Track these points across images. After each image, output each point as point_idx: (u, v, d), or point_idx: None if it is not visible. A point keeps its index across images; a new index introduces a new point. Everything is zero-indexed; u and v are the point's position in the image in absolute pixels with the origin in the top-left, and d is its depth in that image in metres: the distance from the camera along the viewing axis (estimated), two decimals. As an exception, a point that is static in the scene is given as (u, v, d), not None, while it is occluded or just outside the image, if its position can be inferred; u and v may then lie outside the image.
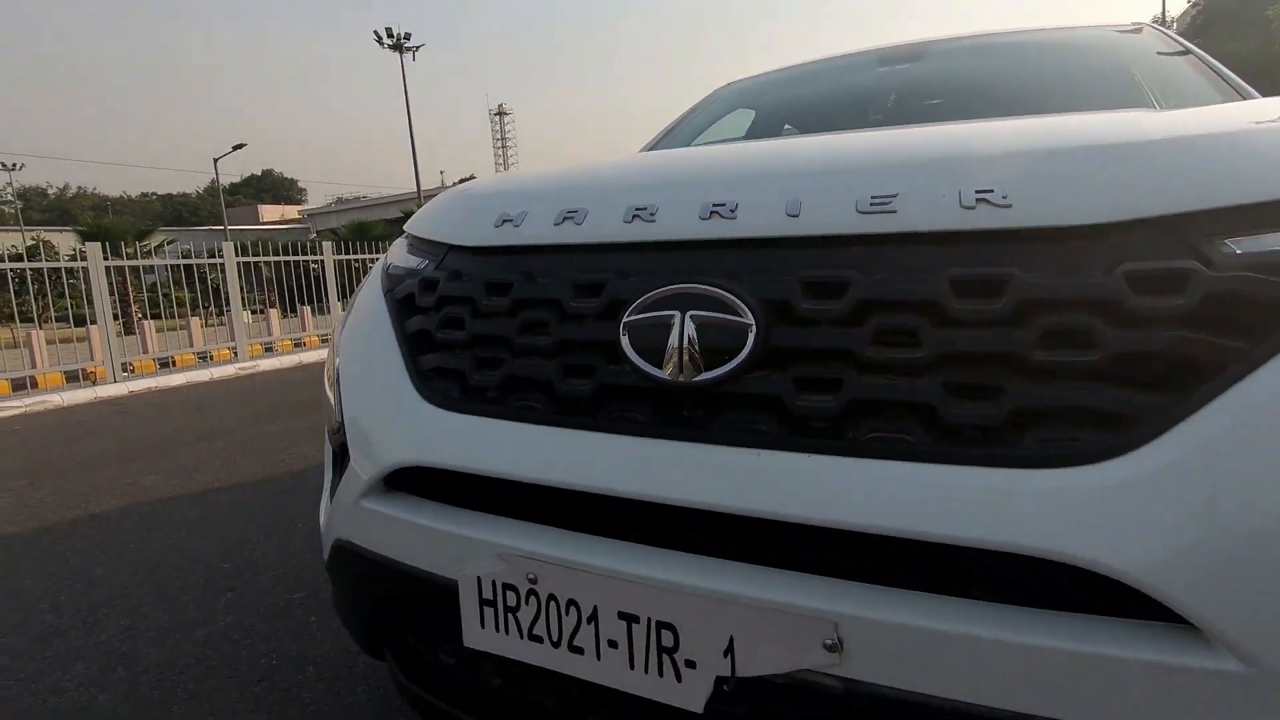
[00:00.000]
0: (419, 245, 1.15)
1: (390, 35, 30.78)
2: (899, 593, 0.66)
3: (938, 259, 0.69)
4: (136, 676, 1.85)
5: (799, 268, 0.74)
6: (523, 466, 0.83)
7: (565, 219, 0.91)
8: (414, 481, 0.96)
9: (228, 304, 9.37)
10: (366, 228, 23.52)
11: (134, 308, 12.57)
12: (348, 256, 10.67)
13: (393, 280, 1.12)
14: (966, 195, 0.70)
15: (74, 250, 8.40)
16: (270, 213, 55.75)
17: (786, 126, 2.42)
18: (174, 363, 9.00)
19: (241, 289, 9.58)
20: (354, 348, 1.10)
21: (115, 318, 9.91)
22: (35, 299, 8.77)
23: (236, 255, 9.41)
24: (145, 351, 8.86)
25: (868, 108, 2.36)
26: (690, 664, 0.73)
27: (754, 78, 2.77)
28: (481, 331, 0.92)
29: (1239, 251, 0.64)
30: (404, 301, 1.05)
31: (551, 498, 0.83)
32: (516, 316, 0.89)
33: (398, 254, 1.19)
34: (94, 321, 8.11)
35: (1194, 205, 0.65)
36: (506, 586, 0.83)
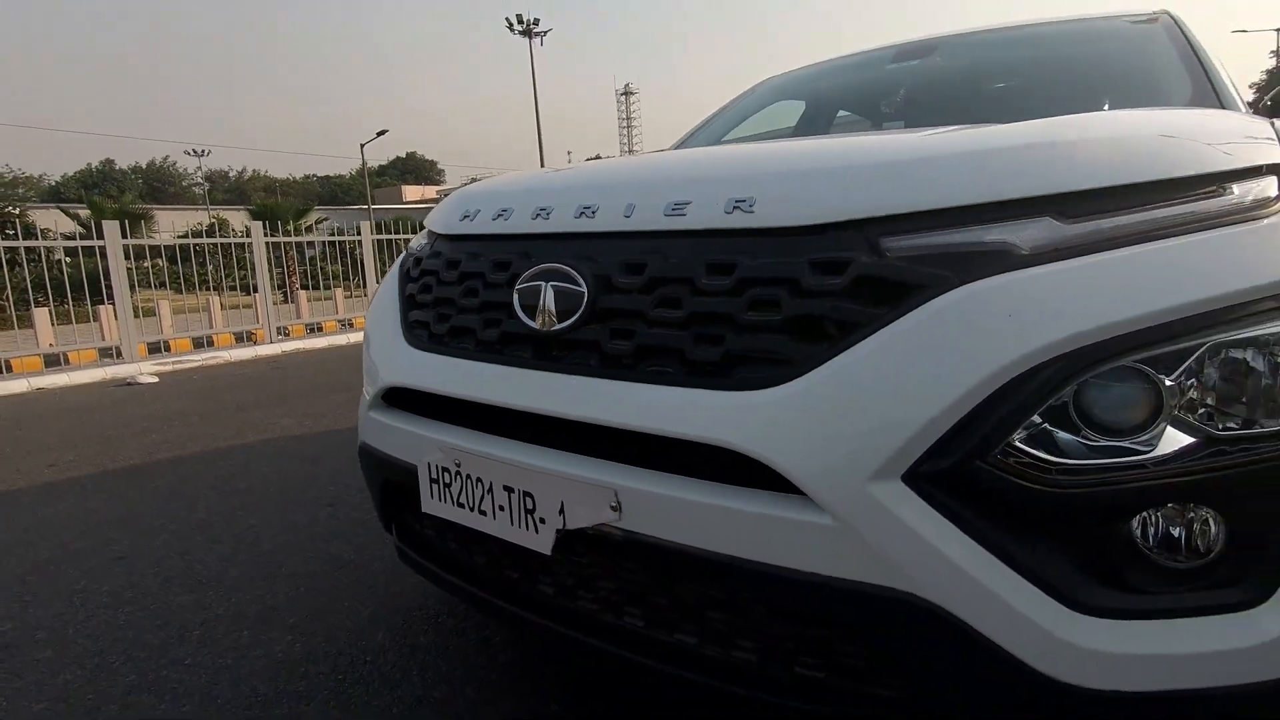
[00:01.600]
0: (426, 231, 1.55)
1: (520, 21, 32.15)
2: (656, 473, 0.98)
3: (702, 249, 1.00)
4: (256, 560, 2.44)
5: (622, 253, 1.06)
6: (456, 387, 1.21)
7: (499, 215, 1.27)
8: (403, 399, 1.37)
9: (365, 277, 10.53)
10: (493, 207, 24.99)
11: (292, 279, 14.21)
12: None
13: (405, 258, 1.53)
14: (729, 203, 0.99)
15: (245, 227, 9.72)
16: (412, 193, 60.11)
17: (841, 113, 2.63)
18: (320, 328, 10.26)
19: (376, 264, 10.69)
20: (376, 306, 1.53)
21: (277, 287, 11.41)
22: (208, 271, 10.26)
23: (372, 234, 10.50)
24: (299, 318, 10.20)
25: (880, 101, 2.54)
26: (542, 520, 1.08)
27: (791, 72, 2.98)
28: (441, 295, 1.31)
29: (888, 247, 0.90)
30: (405, 273, 1.47)
31: (474, 408, 1.21)
32: (461, 285, 1.27)
33: (417, 238, 1.60)
34: (255, 290, 9.40)
35: (866, 213, 0.91)
36: (443, 469, 1.22)
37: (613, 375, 1.03)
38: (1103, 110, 1.77)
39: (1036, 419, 0.82)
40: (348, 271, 10.96)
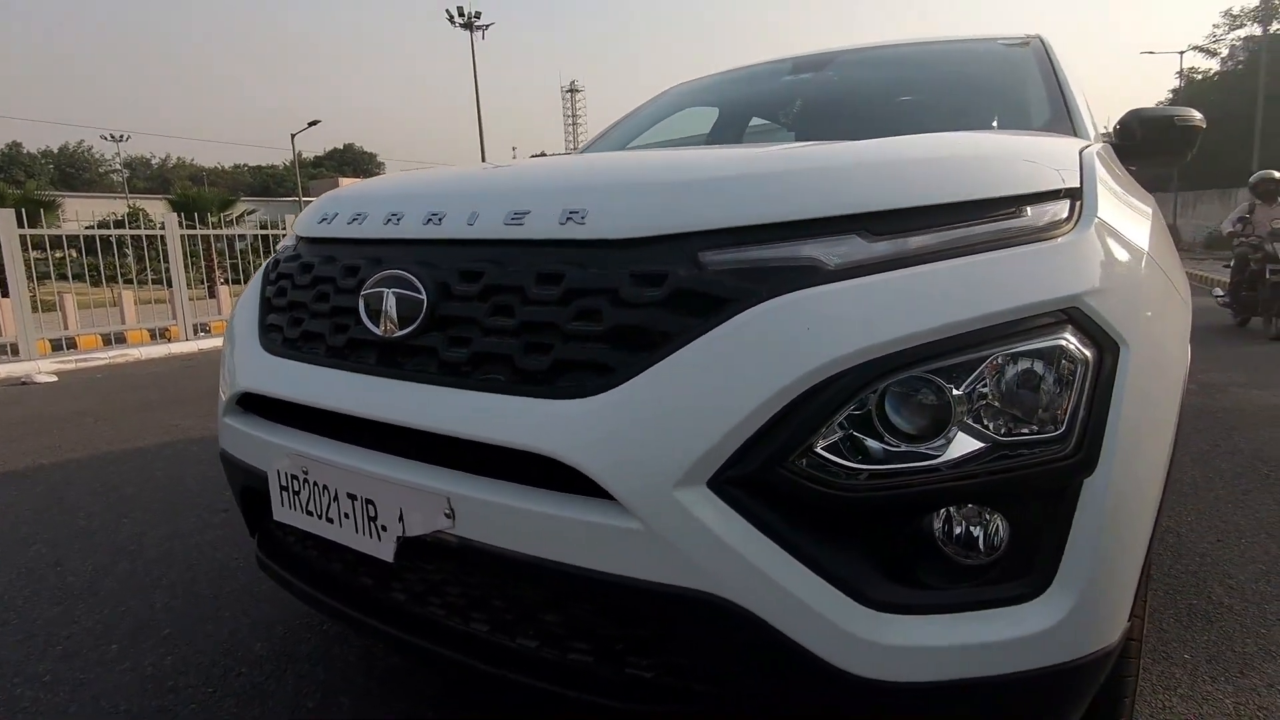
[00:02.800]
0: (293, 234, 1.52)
1: (461, 14, 31.59)
2: (488, 480, 0.99)
3: (535, 258, 1.01)
4: (136, 569, 2.34)
5: (463, 261, 1.07)
6: (303, 393, 1.19)
7: (354, 219, 1.26)
8: (258, 404, 1.34)
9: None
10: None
11: (216, 273, 13.61)
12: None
13: (270, 260, 1.50)
14: (563, 215, 1.01)
15: (161, 219, 9.26)
16: (349, 184, 58.32)
17: (755, 120, 2.68)
18: (241, 324, 9.85)
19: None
20: (238, 308, 1.49)
21: (200, 282, 10.90)
22: (119, 262, 9.73)
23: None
24: (220, 313, 9.77)
25: (778, 111, 2.61)
26: (384, 528, 1.08)
27: (698, 80, 3.03)
28: (295, 298, 1.29)
29: (707, 261, 0.93)
30: (266, 275, 1.43)
31: (324, 414, 1.19)
32: (313, 289, 1.25)
33: (285, 240, 1.57)
34: (169, 285, 8.98)
35: (687, 227, 0.95)
36: (292, 476, 1.20)
37: (449, 382, 1.03)
38: (958, 128, 1.87)
39: (834, 426, 0.86)
40: (273, 266, 10.54)
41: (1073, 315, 0.91)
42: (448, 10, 31.86)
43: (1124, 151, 1.93)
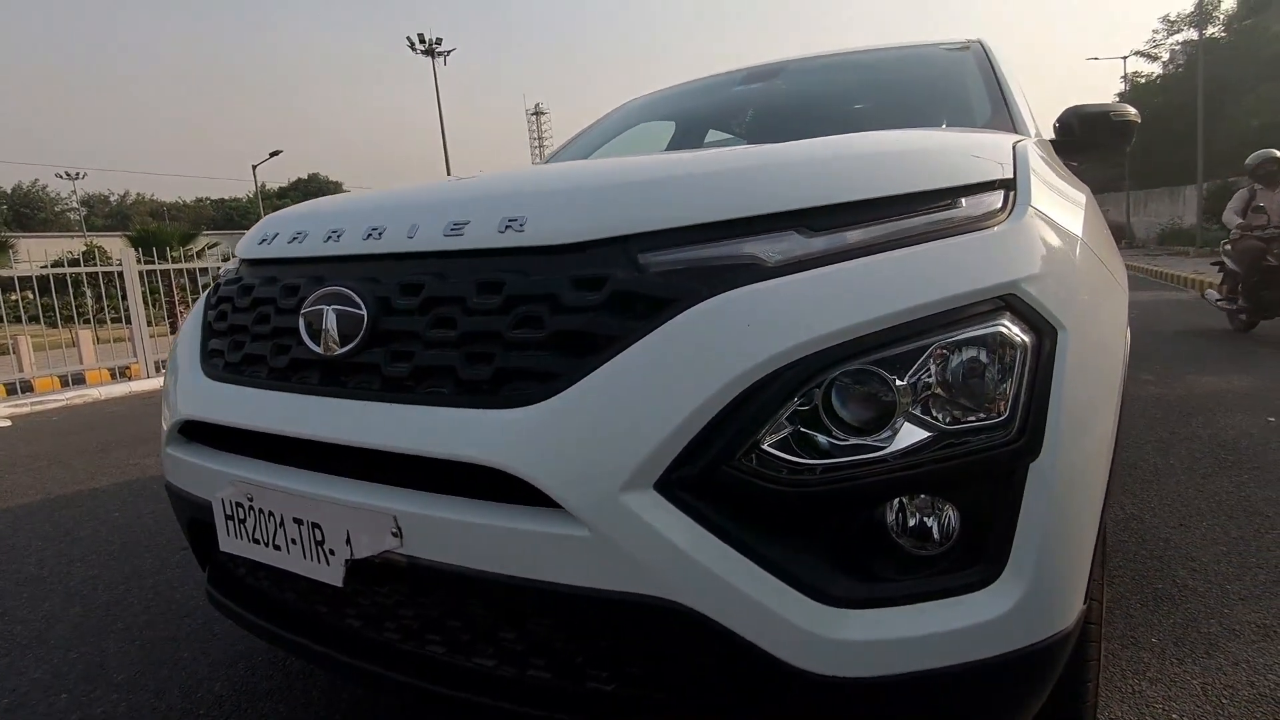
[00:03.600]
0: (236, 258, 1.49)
1: (423, 41, 31.66)
2: (434, 495, 0.97)
3: (476, 268, 1.00)
4: (89, 614, 2.25)
5: (403, 274, 1.05)
6: (245, 417, 1.16)
7: (294, 239, 1.23)
8: (201, 431, 1.30)
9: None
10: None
11: (180, 309, 13.31)
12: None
13: (213, 285, 1.46)
14: (503, 223, 1.00)
15: (125, 250, 9.06)
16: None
17: (712, 132, 2.70)
18: (204, 359, 9.64)
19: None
20: (181, 335, 1.45)
21: (163, 319, 10.65)
22: (76, 302, 9.48)
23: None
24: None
25: (732, 120, 2.64)
26: (332, 551, 1.05)
27: (651, 94, 3.06)
28: (235, 321, 1.26)
29: (646, 263, 0.93)
30: (208, 300, 1.40)
31: (268, 439, 1.16)
32: (254, 310, 1.22)
33: (228, 264, 1.53)
34: (129, 323, 8.77)
35: (625, 229, 0.94)
36: (237, 504, 1.16)
37: (392, 398, 1.01)
38: (899, 128, 1.91)
39: (779, 422, 0.86)
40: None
41: (1010, 302, 0.92)
42: (408, 37, 31.92)
43: (1064, 148, 1.98)
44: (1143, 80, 31.55)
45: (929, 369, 0.89)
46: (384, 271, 1.08)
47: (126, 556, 2.70)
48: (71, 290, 8.97)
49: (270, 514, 1.12)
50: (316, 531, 1.06)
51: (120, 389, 8.11)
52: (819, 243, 0.94)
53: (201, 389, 1.26)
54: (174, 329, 10.81)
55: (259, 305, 1.22)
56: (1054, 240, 1.03)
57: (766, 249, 0.93)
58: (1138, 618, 1.89)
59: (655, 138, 2.82)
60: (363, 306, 1.04)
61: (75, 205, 66.62)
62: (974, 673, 0.89)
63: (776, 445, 0.86)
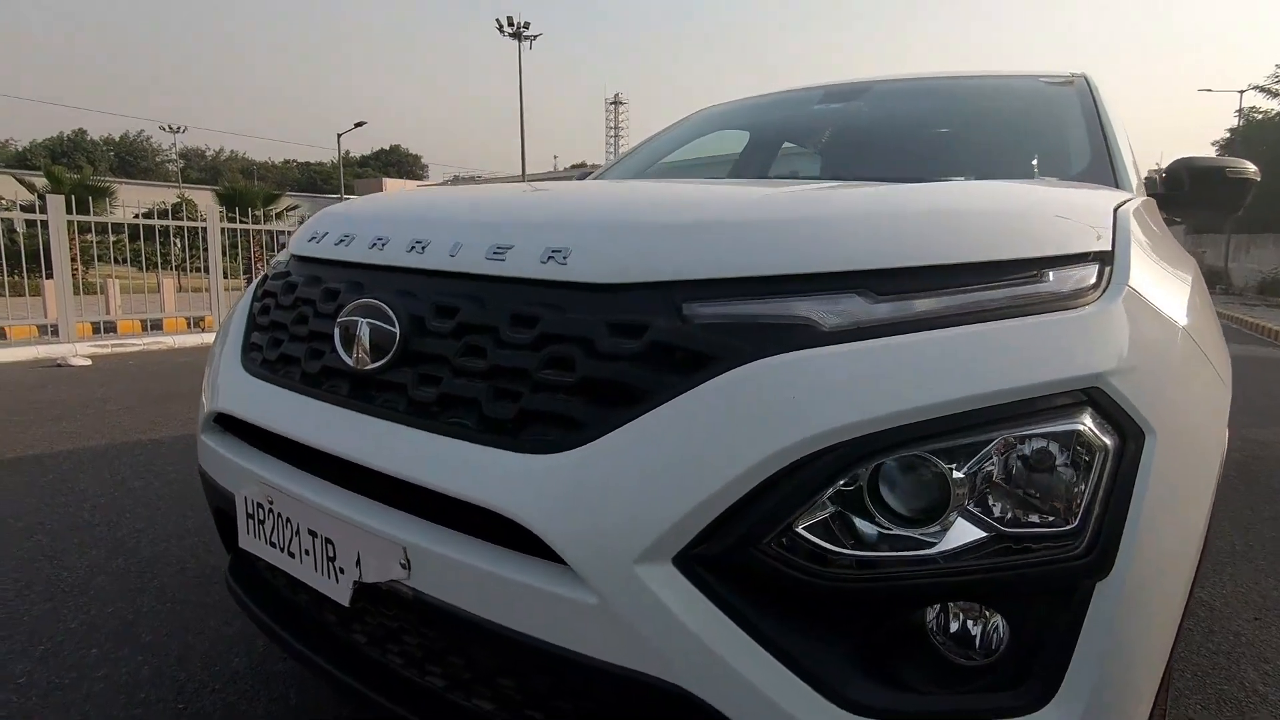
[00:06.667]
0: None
1: (511, 23, 32.07)
2: (446, 531, 0.93)
3: (512, 298, 0.95)
4: (130, 568, 2.33)
5: (440, 294, 1.01)
6: (273, 420, 1.15)
7: (341, 240, 1.21)
8: (235, 423, 1.30)
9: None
10: (469, 207, 24.79)
11: (259, 264, 13.85)
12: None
13: (266, 271, 1.46)
14: (546, 253, 0.94)
15: (210, 206, 9.47)
16: (393, 186, 59.40)
17: (786, 144, 2.62)
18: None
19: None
20: (227, 321, 1.45)
21: (244, 272, 11.14)
22: (163, 250, 9.97)
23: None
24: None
25: (808, 140, 2.54)
26: (341, 570, 1.02)
27: (726, 104, 2.97)
28: (277, 318, 1.25)
29: (690, 313, 0.86)
30: (255, 289, 1.40)
31: (294, 442, 1.14)
32: (294, 310, 1.21)
33: (281, 254, 1.53)
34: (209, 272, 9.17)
35: (671, 275, 0.88)
36: (258, 505, 1.15)
37: (415, 423, 0.97)
38: (990, 169, 1.78)
39: (817, 506, 0.78)
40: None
41: (1093, 397, 0.82)
42: (497, 19, 32.37)
43: (1170, 202, 1.82)
44: (1260, 116, 29.50)
45: (993, 463, 0.80)
46: (422, 288, 1.04)
47: (172, 513, 2.79)
48: (158, 240, 9.44)
49: (288, 520, 1.10)
50: (329, 547, 1.04)
51: (193, 339, 8.49)
52: (883, 309, 0.86)
53: (238, 383, 1.25)
54: (249, 284, 11.26)
55: (300, 305, 1.21)
56: (1151, 327, 0.91)
57: (823, 311, 0.86)
58: (1197, 722, 1.73)
59: (727, 148, 2.74)
60: (396, 323, 1.01)
61: (174, 157, 70.31)
62: None
63: (811, 530, 0.78)
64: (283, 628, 1.20)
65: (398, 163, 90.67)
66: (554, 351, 0.89)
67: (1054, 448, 0.81)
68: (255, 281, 1.46)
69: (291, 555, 1.11)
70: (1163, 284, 1.00)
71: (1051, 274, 0.92)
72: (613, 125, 78.11)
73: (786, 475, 0.78)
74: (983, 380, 0.81)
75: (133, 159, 79.75)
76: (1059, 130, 2.00)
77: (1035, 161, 1.86)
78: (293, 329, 1.20)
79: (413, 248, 1.08)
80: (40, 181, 15.88)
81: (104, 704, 1.67)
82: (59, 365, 6.50)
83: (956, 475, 0.79)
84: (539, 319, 0.91)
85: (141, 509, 2.83)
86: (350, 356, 1.05)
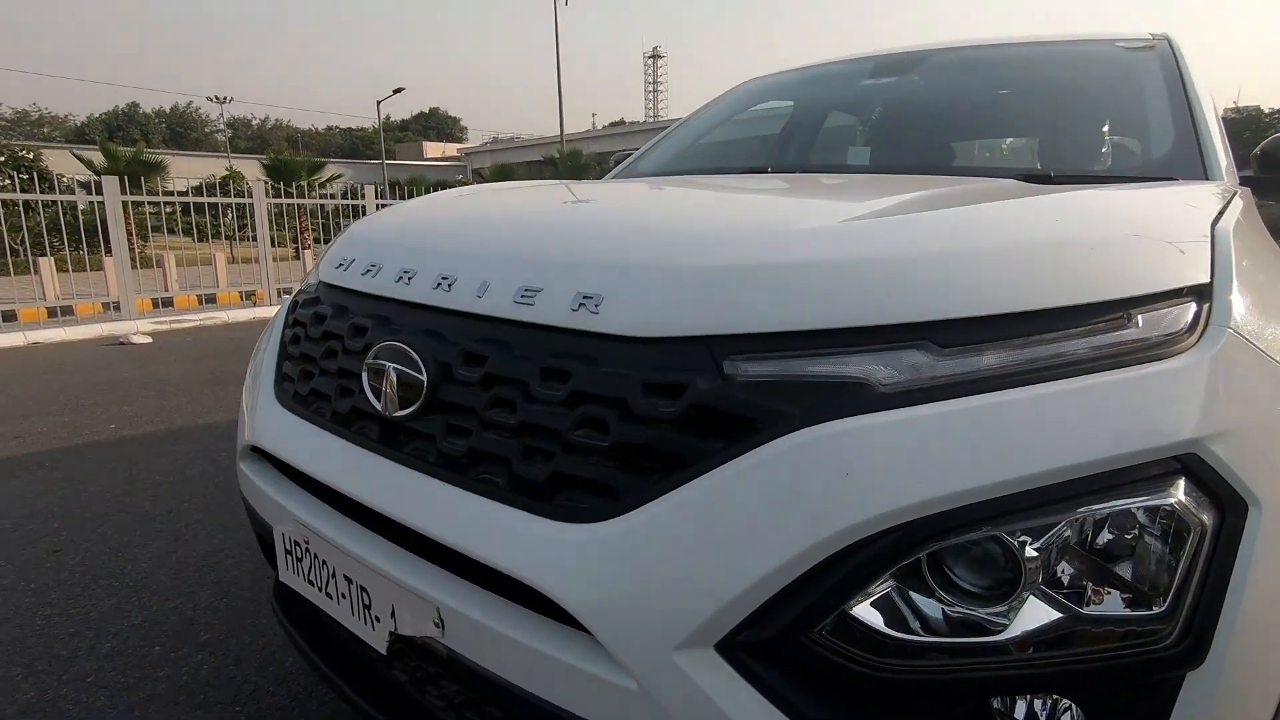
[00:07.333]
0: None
1: (547, -21, 31.33)
2: (481, 592, 0.89)
3: (542, 348, 0.89)
4: (188, 562, 2.41)
5: (467, 339, 0.96)
6: (304, 460, 1.13)
7: (368, 270, 1.17)
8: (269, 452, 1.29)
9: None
10: (509, 171, 24.75)
11: (305, 234, 14.07)
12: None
13: (295, 295, 1.43)
14: (576, 299, 0.88)
15: (247, 186, 9.64)
16: (434, 149, 59.54)
17: (832, 124, 2.48)
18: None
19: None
20: (263, 341, 1.44)
21: (291, 241, 11.39)
22: (213, 223, 10.20)
23: (376, 197, 10.42)
24: (305, 277, 10.18)
25: (856, 116, 2.39)
26: (377, 619, 1.01)
27: (773, 75, 2.82)
28: (306, 350, 1.22)
29: (733, 371, 0.79)
30: (288, 312, 1.37)
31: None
32: (323, 343, 1.18)
33: (311, 273, 1.50)
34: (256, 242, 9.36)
35: (709, 330, 0.80)
36: (295, 543, 1.14)
37: (445, 477, 0.93)
38: (1059, 155, 1.63)
39: (875, 590, 0.72)
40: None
41: (1188, 465, 0.73)
42: (533, -26, 31.62)
43: (1266, 186, 1.65)
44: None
45: (1070, 537, 0.72)
46: (449, 329, 0.99)
47: (226, 503, 2.87)
48: (208, 213, 9.66)
49: (324, 562, 1.09)
50: (364, 595, 1.02)
51: (245, 314, 8.72)
52: (947, 365, 0.77)
53: (271, 417, 1.24)
54: (297, 254, 11.49)
55: (328, 339, 1.18)
56: (1257, 379, 0.81)
57: (880, 369, 0.78)
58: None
59: (770, 127, 2.61)
60: (423, 370, 0.96)
61: (222, 127, 71.73)
62: None
63: (867, 616, 0.72)
64: (321, 658, 1.20)
65: (437, 125, 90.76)
66: (587, 412, 0.83)
67: (1142, 523, 0.72)
68: (288, 303, 1.43)
69: (329, 596, 1.10)
70: (1273, 320, 0.88)
71: (1140, 317, 0.82)
72: (651, 80, 76.46)
73: (841, 559, 0.71)
74: (1062, 451, 0.72)
75: (183, 130, 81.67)
76: (1137, 104, 1.82)
77: (1111, 145, 1.70)
78: (322, 364, 1.17)
79: (439, 284, 1.03)
80: (97, 157, 16.37)
81: (166, 705, 1.73)
82: (121, 343, 6.75)
83: (1030, 553, 0.72)
84: (570, 374, 0.85)
85: (199, 499, 2.92)
86: (379, 401, 1.02)
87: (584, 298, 0.88)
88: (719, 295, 0.82)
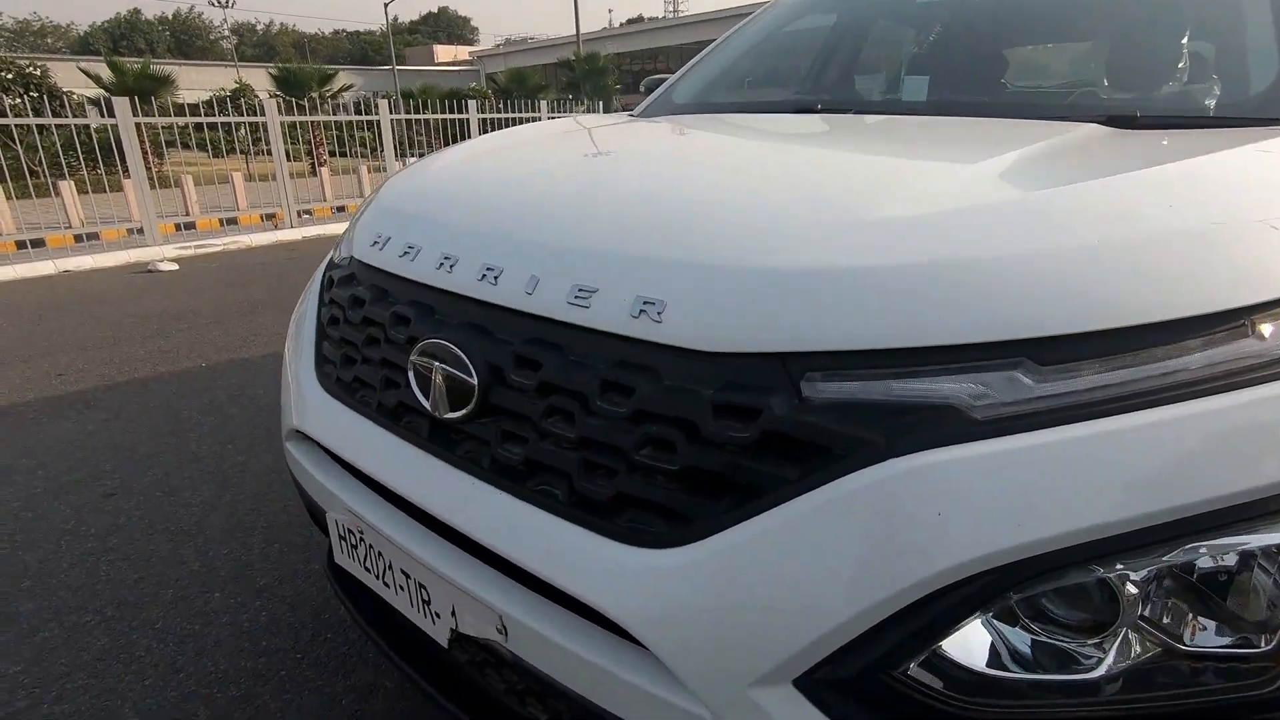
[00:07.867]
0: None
1: None
2: (545, 603, 0.88)
3: (600, 355, 0.83)
4: (238, 505, 2.47)
5: (519, 339, 0.90)
6: (352, 452, 1.10)
7: (405, 252, 1.10)
8: (317, 435, 1.27)
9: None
10: (524, 76, 23.72)
11: (319, 149, 13.76)
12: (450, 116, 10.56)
13: (330, 265, 1.38)
14: (637, 304, 0.81)
15: (258, 102, 9.37)
16: (444, 54, 57.09)
17: (885, 31, 2.30)
18: (348, 210, 10.08)
19: (395, 146, 10.32)
20: (298, 313, 1.39)
21: (305, 155, 11.18)
22: (227, 138, 10.01)
23: (390, 113, 10.08)
24: (324, 197, 10.04)
25: (909, 39, 2.20)
26: (437, 615, 1.01)
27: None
28: (346, 334, 1.17)
29: (812, 393, 0.73)
30: (323, 287, 1.32)
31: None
32: (364, 329, 1.13)
33: (344, 246, 1.43)
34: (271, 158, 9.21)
35: (787, 346, 0.74)
36: (349, 530, 1.14)
37: (501, 484, 0.90)
38: (1148, 88, 1.47)
39: (965, 630, 0.69)
40: (376, 142, 10.58)
41: None
42: None
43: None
44: None
45: (1182, 579, 0.68)
46: (499, 327, 0.94)
47: (269, 443, 2.92)
48: (221, 129, 9.47)
49: (380, 554, 1.09)
50: (423, 592, 1.02)
51: (267, 237, 8.67)
52: (1047, 389, 0.71)
53: (314, 402, 1.21)
54: (313, 170, 11.26)
55: (369, 325, 1.13)
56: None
57: (974, 392, 0.71)
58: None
59: (816, 41, 2.41)
60: (473, 374, 0.92)
61: (226, 34, 69.33)
62: None
63: (955, 655, 0.69)
64: (378, 633, 1.21)
65: (446, 26, 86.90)
66: (652, 431, 0.79)
67: (1253, 556, 0.67)
68: (322, 275, 1.38)
69: (386, 586, 1.10)
70: None
71: (1264, 326, 0.74)
72: (672, -30, 71.77)
73: (929, 601, 0.68)
74: (1173, 488, 0.67)
75: (187, 38, 79.11)
76: (1236, 20, 1.62)
77: (1208, 75, 1.52)
78: (364, 351, 1.13)
79: (484, 275, 0.97)
80: (104, 71, 15.95)
81: (232, 652, 1.81)
82: (149, 271, 6.77)
83: (1130, 590, 0.68)
84: (634, 390, 0.80)
85: (241, 439, 2.98)
86: (427, 400, 0.98)
87: (645, 303, 0.81)
88: (797, 305, 0.75)
